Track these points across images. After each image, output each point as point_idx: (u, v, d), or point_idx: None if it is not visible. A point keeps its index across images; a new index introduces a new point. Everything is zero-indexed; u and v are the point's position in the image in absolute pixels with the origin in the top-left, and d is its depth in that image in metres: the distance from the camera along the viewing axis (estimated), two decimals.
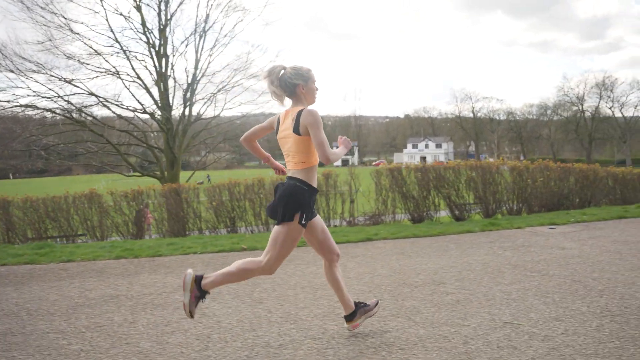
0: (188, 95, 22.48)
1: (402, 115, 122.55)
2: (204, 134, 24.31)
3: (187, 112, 22.64)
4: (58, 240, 10.77)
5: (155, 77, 21.69)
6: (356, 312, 3.84)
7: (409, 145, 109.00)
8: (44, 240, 10.23)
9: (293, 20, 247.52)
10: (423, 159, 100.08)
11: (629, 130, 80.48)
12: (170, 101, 22.44)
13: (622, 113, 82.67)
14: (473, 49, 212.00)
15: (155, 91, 22.23)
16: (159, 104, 22.03)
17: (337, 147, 3.69)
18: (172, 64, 22.30)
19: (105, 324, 4.37)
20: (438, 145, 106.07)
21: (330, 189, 10.60)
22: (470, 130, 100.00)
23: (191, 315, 3.52)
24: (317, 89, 3.62)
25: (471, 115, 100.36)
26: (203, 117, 23.49)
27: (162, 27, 21.56)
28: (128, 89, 20.83)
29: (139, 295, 5.36)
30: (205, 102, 23.03)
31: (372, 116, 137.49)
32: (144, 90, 22.07)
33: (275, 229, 3.46)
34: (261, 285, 5.59)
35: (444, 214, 11.03)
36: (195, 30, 22.22)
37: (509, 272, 5.76)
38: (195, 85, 22.41)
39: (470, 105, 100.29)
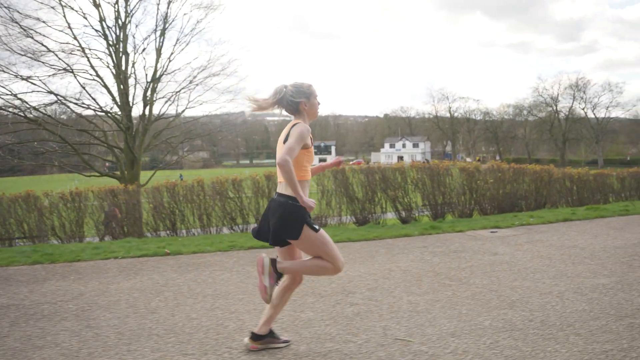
0: (148, 93, 21.94)
1: (381, 115, 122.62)
2: (166, 133, 23.78)
3: (147, 111, 22.09)
4: None
5: (115, 75, 21.14)
6: (264, 337, 3.64)
7: (387, 145, 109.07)
8: None
9: (276, 21, 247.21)
10: (400, 158, 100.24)
11: (601, 131, 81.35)
12: (131, 100, 21.89)
13: (594, 114, 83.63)
14: (453, 49, 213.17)
15: (116, 90, 21.67)
16: (119, 103, 21.49)
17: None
18: (133, 62, 21.76)
19: None
20: (415, 145, 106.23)
21: (273, 191, 10.25)
22: (447, 130, 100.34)
23: (269, 299, 3.49)
24: (319, 104, 3.63)
25: (448, 115, 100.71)
26: (165, 116, 22.96)
27: (121, 24, 21.02)
28: (83, 87, 20.11)
29: (32, 304, 5.02)
30: (166, 101, 22.49)
31: (351, 115, 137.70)
32: (106, 89, 21.49)
33: (301, 248, 3.48)
34: (164, 293, 5.27)
35: (391, 216, 10.75)
36: (155, 27, 21.70)
37: (428, 280, 5.49)
38: (156, 83, 21.88)
39: (447, 105, 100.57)
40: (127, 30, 21.42)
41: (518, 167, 12.24)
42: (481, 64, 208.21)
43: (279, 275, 3.48)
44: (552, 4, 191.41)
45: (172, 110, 23.27)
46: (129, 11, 21.13)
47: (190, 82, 22.23)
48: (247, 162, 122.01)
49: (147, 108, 22.13)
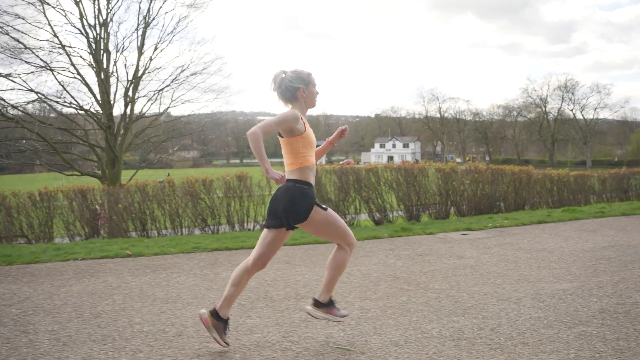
0: (130, 92, 21.72)
1: (372, 115, 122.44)
2: (150, 132, 23.54)
3: (128, 110, 21.86)
4: None
5: (96, 74, 20.90)
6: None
7: (377, 145, 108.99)
8: None
9: (269, 20, 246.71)
10: (390, 158, 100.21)
11: (589, 132, 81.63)
12: (112, 98, 21.64)
13: (582, 115, 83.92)
14: (444, 49, 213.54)
15: (98, 88, 21.45)
16: (100, 101, 21.24)
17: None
18: (115, 60, 21.54)
19: None
20: (405, 145, 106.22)
21: (244, 191, 10.10)
22: (437, 131, 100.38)
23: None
24: (317, 93, 3.60)
25: (438, 115, 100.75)
26: (147, 115, 22.71)
27: (102, 21, 20.78)
28: (62, 84, 19.86)
29: None
30: (148, 100, 22.27)
31: (342, 115, 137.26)
32: (87, 88, 21.28)
33: (311, 229, 3.49)
34: (114, 296, 5.10)
35: (365, 217, 10.60)
36: (137, 25, 21.50)
37: (386, 285, 5.34)
38: (137, 82, 21.65)
39: (438, 105, 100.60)
40: (109, 28, 21.19)
41: (496, 168, 12.14)
42: (472, 65, 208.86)
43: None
44: (542, 5, 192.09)
45: (155, 109, 23.04)
46: (110, 8, 20.89)
47: (173, 80, 22.02)
48: (238, 161, 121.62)
49: (129, 107, 21.92)
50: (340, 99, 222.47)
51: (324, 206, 3.45)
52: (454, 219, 10.66)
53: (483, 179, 11.50)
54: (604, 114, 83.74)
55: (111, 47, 21.23)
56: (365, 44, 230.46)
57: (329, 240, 3.72)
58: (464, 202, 11.22)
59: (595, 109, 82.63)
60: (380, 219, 10.34)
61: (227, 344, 3.50)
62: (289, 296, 4.96)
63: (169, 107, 22.92)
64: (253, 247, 7.57)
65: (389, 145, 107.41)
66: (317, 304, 3.66)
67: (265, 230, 3.54)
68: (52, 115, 23.88)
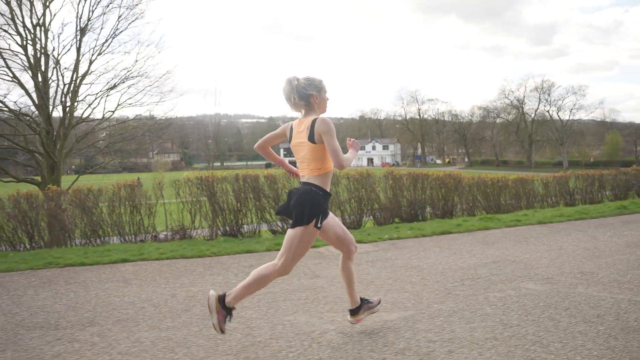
0: (69, 96, 20.89)
1: (356, 117, 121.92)
2: (92, 137, 22.69)
3: (68, 114, 21.01)
4: None
5: (30, 76, 20.05)
6: (360, 308, 3.95)
7: None
8: None
9: (250, 23, 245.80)
10: (370, 160, 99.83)
11: (565, 133, 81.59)
12: (51, 102, 20.80)
13: (559, 116, 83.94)
14: (428, 51, 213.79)
15: (35, 92, 20.59)
16: (37, 104, 20.40)
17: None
18: (54, 63, 20.68)
19: None
20: (385, 147, 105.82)
21: (140, 199, 9.40)
22: (417, 132, 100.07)
23: (223, 331, 3.57)
24: (328, 99, 3.77)
25: (418, 117, 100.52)
26: (89, 119, 21.88)
27: (36, 23, 19.94)
28: None
29: None
30: (89, 105, 21.45)
31: (326, 117, 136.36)
32: (24, 91, 20.43)
33: (290, 233, 3.58)
34: None
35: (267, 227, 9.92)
36: (76, 27, 20.68)
37: (197, 311, 4.68)
38: (77, 86, 20.84)
39: (417, 107, 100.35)
40: (46, 30, 20.37)
41: (418, 173, 11.50)
42: (457, 67, 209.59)
43: (228, 311, 3.55)
44: (524, 7, 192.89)
45: (99, 114, 22.22)
46: (46, 6, 20.05)
47: (115, 85, 21.27)
48: (219, 164, 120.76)
49: (67, 111, 21.10)
50: None
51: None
52: (368, 228, 10.01)
53: (400, 185, 10.87)
54: (579, 115, 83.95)
55: (49, 49, 20.39)
56: (349, 46, 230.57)
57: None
58: (378, 210, 10.57)
59: (571, 109, 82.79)
60: (285, 229, 9.65)
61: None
62: (72, 322, 4.27)
63: (115, 111, 22.08)
64: (113, 262, 6.99)
65: (368, 147, 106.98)
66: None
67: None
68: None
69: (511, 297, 4.89)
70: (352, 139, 3.95)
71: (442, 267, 6.29)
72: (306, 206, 3.49)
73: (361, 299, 3.98)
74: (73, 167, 25.34)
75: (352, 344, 3.80)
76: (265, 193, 9.46)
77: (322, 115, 3.65)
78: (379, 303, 4.12)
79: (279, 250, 7.36)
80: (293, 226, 3.56)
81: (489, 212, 12.80)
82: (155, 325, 4.40)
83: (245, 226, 9.52)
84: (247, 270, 6.37)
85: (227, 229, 9.32)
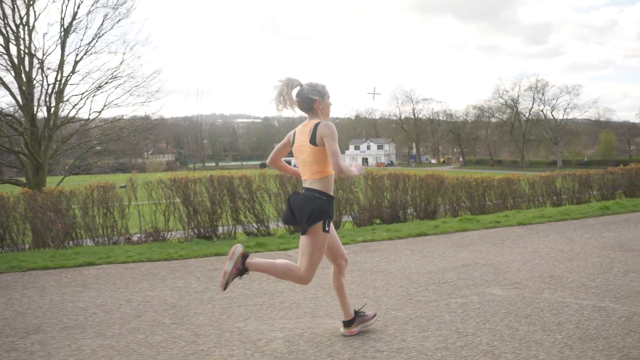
0: (54, 97, 20.65)
1: (352, 117, 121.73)
2: (79, 137, 22.43)
3: (53, 115, 20.77)
4: None
5: (14, 76, 19.80)
6: (354, 320, 3.91)
7: (351, 147, 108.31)
8: None
9: (248, 23, 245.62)
10: (365, 160, 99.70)
11: (559, 132, 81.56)
12: (35, 102, 20.56)
13: (552, 115, 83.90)
14: (425, 51, 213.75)
15: (19, 92, 20.34)
16: (21, 105, 20.16)
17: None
18: (39, 63, 20.44)
19: None
20: (380, 147, 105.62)
21: (113, 200, 9.24)
22: (411, 132, 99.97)
23: (225, 286, 3.58)
24: (331, 104, 3.80)
25: (413, 116, 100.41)
26: (74, 119, 21.63)
27: (19, 22, 19.70)
28: None
29: None
30: (74, 105, 21.20)
31: None
32: (8, 91, 20.16)
33: (302, 241, 3.63)
34: None
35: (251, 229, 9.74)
36: (61, 28, 20.44)
37: (147, 318, 4.54)
38: (61, 86, 20.60)
39: (412, 106, 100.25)
40: (32, 29, 20.14)
41: (398, 174, 11.36)
42: (452, 66, 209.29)
43: (243, 270, 3.58)
44: (520, 7, 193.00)
45: (85, 114, 22.01)
46: (29, 5, 19.82)
47: (101, 86, 21.06)
48: (213, 164, 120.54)
49: (52, 111, 20.88)
50: None
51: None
52: (345, 230, 9.86)
53: (380, 186, 10.72)
54: (573, 114, 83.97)
55: (33, 49, 20.15)
56: (346, 46, 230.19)
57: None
58: (357, 211, 10.42)
59: (565, 109, 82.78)
60: (259, 231, 9.50)
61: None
62: (16, 330, 4.11)
63: (101, 112, 21.84)
64: (78, 266, 6.85)
65: (363, 147, 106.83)
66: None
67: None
68: None
69: (473, 304, 4.75)
70: (358, 164, 3.91)
71: (410, 271, 6.14)
72: (311, 213, 3.51)
73: (356, 312, 3.95)
74: (67, 167, 25.04)
75: (297, 353, 3.65)
76: (240, 194, 9.29)
77: (325, 120, 3.68)
78: (374, 316, 4.07)
79: (248, 252, 7.28)
80: (303, 233, 3.61)
81: (473, 213, 12.68)
82: (101, 332, 4.25)
83: (220, 228, 9.35)
84: (210, 274, 6.23)
85: (202, 231, 9.15)
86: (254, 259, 3.62)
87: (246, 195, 9.30)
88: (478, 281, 5.58)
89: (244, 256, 3.60)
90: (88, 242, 9.33)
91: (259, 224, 9.47)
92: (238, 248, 3.60)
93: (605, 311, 4.42)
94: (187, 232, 9.12)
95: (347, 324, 3.91)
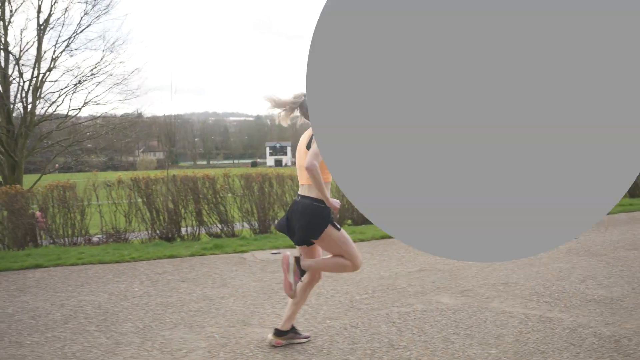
0: (30, 94, 20.41)
1: None
2: (57, 135, 22.16)
3: (29, 113, 20.51)
4: None
5: None
6: (287, 333, 3.79)
7: None
8: None
9: (241, 22, 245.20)
10: None
11: None
12: (12, 100, 20.29)
13: None
14: None
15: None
16: None
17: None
18: (15, 59, 20.17)
19: None
20: None
21: (72, 201, 9.00)
22: None
23: (294, 294, 3.67)
24: None
25: None
26: (52, 116, 21.39)
27: None
28: None
29: None
30: (52, 103, 20.97)
31: None
32: None
33: (323, 246, 3.64)
34: None
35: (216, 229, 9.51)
36: (37, 23, 20.20)
37: (76, 325, 4.31)
38: (38, 83, 20.36)
39: None
40: (8, 24, 19.88)
41: None
42: None
43: (302, 272, 3.66)
44: None
45: (63, 112, 21.76)
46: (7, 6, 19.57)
47: (80, 82, 20.83)
48: (205, 162, 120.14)
49: (29, 109, 20.63)
50: None
51: (338, 226, 3.57)
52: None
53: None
54: None
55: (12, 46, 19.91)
56: None
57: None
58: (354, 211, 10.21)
59: None
60: (222, 232, 9.27)
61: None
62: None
63: (81, 109, 21.59)
64: (24, 268, 6.61)
65: None
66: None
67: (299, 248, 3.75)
68: None
69: (415, 313, 4.54)
70: (338, 202, 3.67)
71: (361, 276, 5.93)
72: (310, 224, 3.51)
73: (293, 327, 3.84)
74: (57, 165, 24.86)
75: None
76: (205, 195, 9.07)
77: None
78: (306, 339, 3.89)
79: (204, 255, 7.10)
80: (309, 244, 3.63)
81: None
82: (19, 340, 4.03)
83: (183, 229, 9.13)
84: (156, 278, 6.01)
85: (164, 231, 8.92)
86: (307, 261, 3.67)
87: (210, 195, 9.07)
88: (429, 288, 5.39)
89: (297, 261, 3.65)
90: (47, 242, 9.10)
91: (222, 225, 9.24)
92: (290, 258, 3.65)
93: (551, 322, 4.23)
94: (151, 233, 8.89)
95: (279, 333, 3.76)
